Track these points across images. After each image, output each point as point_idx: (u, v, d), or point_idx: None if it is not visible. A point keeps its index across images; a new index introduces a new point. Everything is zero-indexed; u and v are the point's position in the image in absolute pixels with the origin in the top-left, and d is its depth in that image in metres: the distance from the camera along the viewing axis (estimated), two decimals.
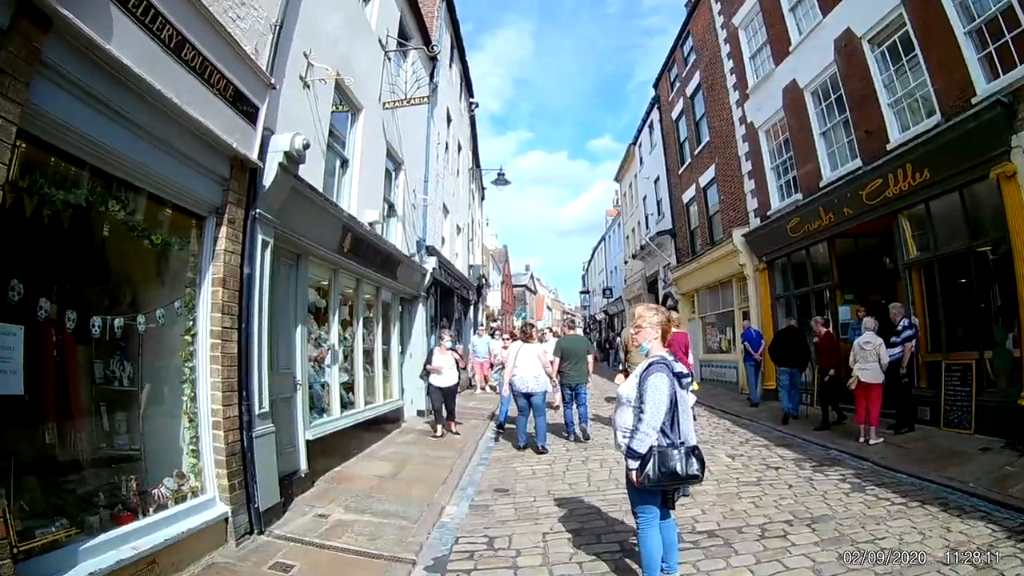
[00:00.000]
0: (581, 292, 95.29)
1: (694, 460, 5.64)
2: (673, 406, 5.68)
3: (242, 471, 8.01)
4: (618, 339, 20.05)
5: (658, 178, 37.53)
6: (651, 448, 5.60)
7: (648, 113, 39.70)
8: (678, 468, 5.53)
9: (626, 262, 51.02)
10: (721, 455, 12.42)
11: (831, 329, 16.02)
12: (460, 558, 7.54)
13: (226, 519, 7.62)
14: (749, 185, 22.80)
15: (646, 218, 41.89)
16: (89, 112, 5.65)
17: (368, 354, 15.41)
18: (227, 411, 7.82)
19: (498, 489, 10.69)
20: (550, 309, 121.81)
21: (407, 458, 12.99)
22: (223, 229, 7.95)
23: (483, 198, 47.76)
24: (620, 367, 15.72)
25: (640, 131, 43.00)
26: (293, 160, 8.78)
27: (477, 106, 34.38)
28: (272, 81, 8.62)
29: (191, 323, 7.76)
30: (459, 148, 29.93)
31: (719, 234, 26.59)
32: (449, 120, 26.40)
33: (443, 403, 15.23)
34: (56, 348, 6.39)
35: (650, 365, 5.76)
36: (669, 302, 33.11)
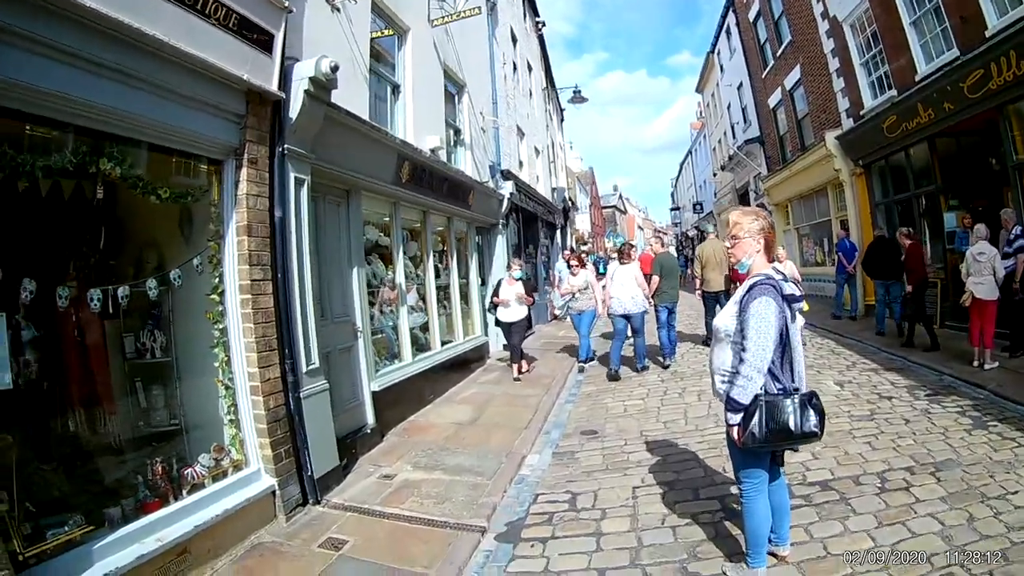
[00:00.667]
0: (671, 209, 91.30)
1: (811, 412, 4.35)
2: (784, 340, 4.45)
3: (289, 437, 7.18)
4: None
5: (741, 84, 35.22)
6: (757, 397, 4.37)
7: (724, 17, 37.23)
8: (791, 423, 4.28)
9: (715, 174, 48.65)
10: (829, 383, 10.98)
11: (916, 240, 14.50)
12: (537, 522, 6.54)
13: (273, 492, 6.86)
14: (838, 84, 20.53)
15: (732, 127, 39.58)
16: (61, 69, 4.90)
17: (444, 290, 14.53)
18: (266, 373, 6.95)
19: (586, 431, 9.63)
20: (641, 228, 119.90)
21: (489, 399, 12.12)
22: (244, 171, 6.94)
23: (562, 120, 46.19)
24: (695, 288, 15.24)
25: (717, 37, 40.46)
26: (321, 86, 7.59)
27: (544, 25, 32.43)
28: (287, 4, 7.35)
29: (216, 280, 6.88)
30: (529, 69, 28.34)
31: (810, 138, 24.39)
32: (514, 40, 24.80)
33: (510, 339, 14.10)
34: (75, 328, 6.04)
35: (752, 287, 4.47)
36: None
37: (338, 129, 8.81)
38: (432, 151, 12.68)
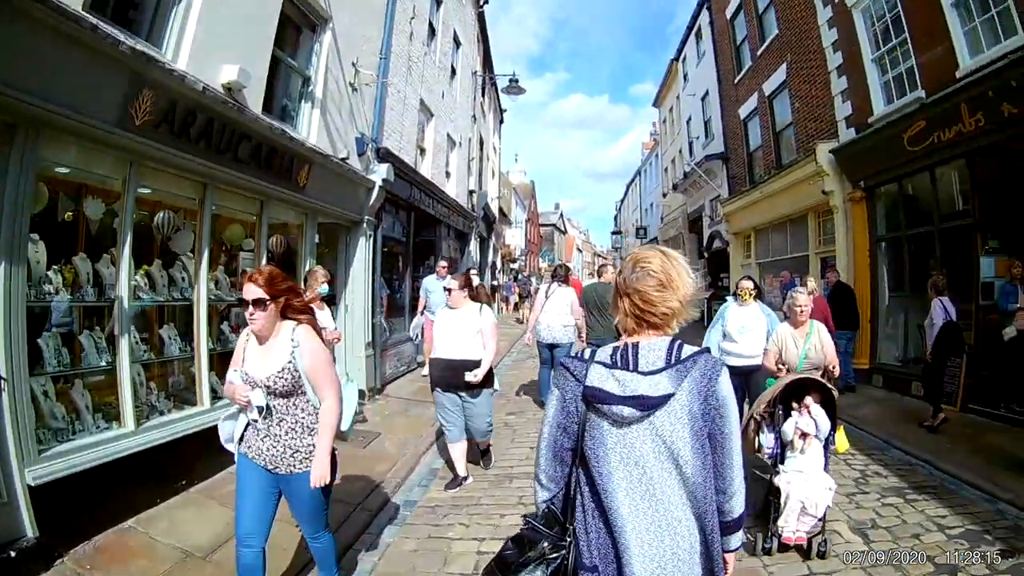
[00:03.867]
0: (612, 232, 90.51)
1: None
2: (589, 463, 2.93)
3: None
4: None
5: (706, 94, 32.70)
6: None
7: (694, 19, 34.49)
8: None
9: (665, 194, 45.77)
10: (843, 527, 6.92)
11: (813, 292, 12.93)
12: None
13: None
14: (838, 85, 17.33)
15: (690, 144, 37.10)
16: None
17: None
18: None
19: None
20: (580, 251, 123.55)
21: None
22: None
23: (501, 121, 43.73)
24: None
25: (684, 42, 37.89)
26: None
27: (487, 2, 29.49)
28: None
29: None
30: (456, 44, 24.56)
31: (791, 154, 21.25)
32: (439, 1, 21.00)
33: None
34: None
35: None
36: (716, 243, 29.83)
37: None
38: (227, 89, 8.53)
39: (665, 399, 2.76)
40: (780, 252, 22.78)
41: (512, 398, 14.03)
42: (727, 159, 28.63)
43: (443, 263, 15.47)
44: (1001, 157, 12.21)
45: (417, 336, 15.12)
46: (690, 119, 37.26)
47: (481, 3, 29.19)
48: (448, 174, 23.50)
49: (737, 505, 2.97)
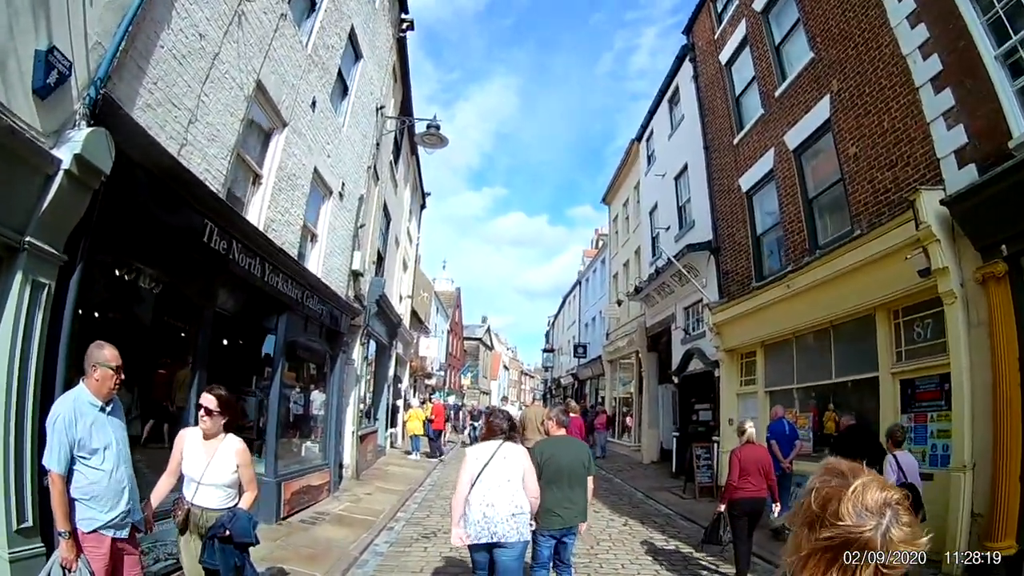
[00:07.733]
0: (544, 350, 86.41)
1: None
2: None
3: None
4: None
5: (683, 169, 27.70)
6: None
7: (669, 79, 30.27)
8: None
9: (619, 302, 39.41)
10: None
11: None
12: None
13: None
14: (937, 105, 11.85)
15: (653, 239, 31.79)
16: None
17: None
18: None
19: None
20: (507, 368, 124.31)
21: None
22: None
23: (423, 205, 40.41)
24: None
25: (651, 115, 33.66)
26: None
27: (411, 28, 24.69)
28: None
29: None
30: (355, 52, 18.94)
31: (839, 228, 15.55)
32: None
33: None
34: None
35: None
36: (695, 364, 24.03)
37: None
38: None
39: None
40: (813, 376, 16.63)
41: None
42: (716, 250, 23.05)
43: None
44: None
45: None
46: (655, 207, 32.24)
47: (403, 26, 24.41)
48: (314, 236, 16.65)
49: None
